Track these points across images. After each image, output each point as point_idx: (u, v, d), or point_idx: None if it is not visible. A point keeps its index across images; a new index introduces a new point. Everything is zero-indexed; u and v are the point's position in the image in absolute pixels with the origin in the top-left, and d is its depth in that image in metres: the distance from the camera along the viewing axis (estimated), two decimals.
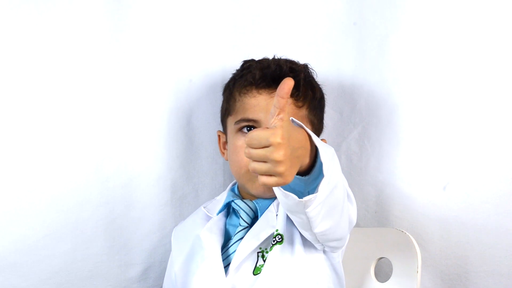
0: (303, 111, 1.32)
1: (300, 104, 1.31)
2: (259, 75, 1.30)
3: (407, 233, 1.35)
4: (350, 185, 1.51)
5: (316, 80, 1.39)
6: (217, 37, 1.49)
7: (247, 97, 1.31)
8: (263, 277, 1.23)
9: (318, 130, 1.38)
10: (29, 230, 1.43)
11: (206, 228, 1.31)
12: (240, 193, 1.36)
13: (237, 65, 1.40)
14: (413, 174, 1.46)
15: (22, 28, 1.38)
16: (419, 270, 1.33)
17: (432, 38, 1.42)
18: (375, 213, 1.50)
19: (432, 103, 1.43)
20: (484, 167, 1.42)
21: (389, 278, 1.37)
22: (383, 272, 1.45)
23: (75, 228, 1.45)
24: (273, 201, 1.31)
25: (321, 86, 1.40)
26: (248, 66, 1.36)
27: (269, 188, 1.25)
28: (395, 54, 1.44)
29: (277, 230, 1.25)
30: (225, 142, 1.39)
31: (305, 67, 1.38)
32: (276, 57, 1.38)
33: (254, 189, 1.30)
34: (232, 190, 1.38)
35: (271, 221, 1.27)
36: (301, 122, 1.12)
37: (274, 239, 1.25)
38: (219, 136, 1.41)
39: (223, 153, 1.40)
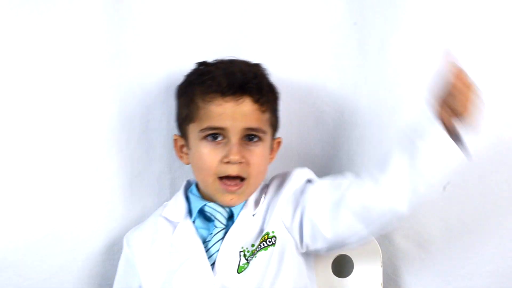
0: (267, 115, 1.33)
1: (264, 108, 1.32)
2: (225, 83, 1.29)
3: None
4: None
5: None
6: (217, 37, 1.49)
7: (212, 105, 1.29)
8: (251, 275, 1.27)
9: (276, 130, 1.39)
10: (29, 229, 1.43)
11: (179, 231, 1.32)
12: (203, 195, 1.36)
13: None
14: None
15: (22, 28, 1.38)
16: (382, 265, 1.43)
17: (432, 38, 1.41)
18: None
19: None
20: (484, 167, 1.41)
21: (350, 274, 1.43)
22: (344, 268, 1.46)
23: (75, 228, 1.45)
24: (246, 200, 1.34)
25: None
26: (208, 71, 1.33)
27: (238, 198, 1.31)
28: (396, 54, 1.44)
29: (273, 232, 1.29)
30: (183, 146, 1.38)
31: (260, 67, 1.37)
32: (230, 59, 1.37)
33: (223, 199, 1.31)
34: (192, 192, 1.38)
35: (250, 220, 1.32)
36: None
37: (269, 240, 1.28)
38: (175, 139, 1.40)
39: (181, 157, 1.39)
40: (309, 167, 1.53)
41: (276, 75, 1.49)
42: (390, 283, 1.52)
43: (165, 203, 1.41)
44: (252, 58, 1.40)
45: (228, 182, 1.30)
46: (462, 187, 1.43)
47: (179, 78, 1.39)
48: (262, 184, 1.38)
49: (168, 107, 1.47)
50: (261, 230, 1.32)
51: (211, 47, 1.48)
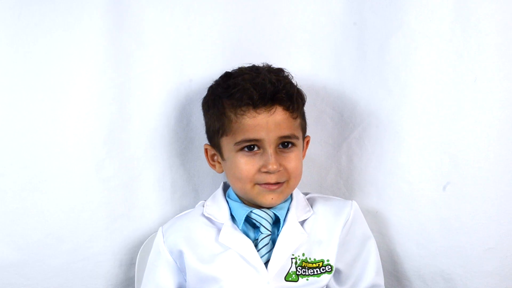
0: (298, 121, 1.36)
1: (295, 115, 1.35)
2: (256, 95, 1.30)
3: None
4: (351, 186, 1.53)
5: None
6: (217, 37, 1.49)
7: (246, 118, 1.31)
8: None
9: (305, 130, 1.41)
10: (30, 229, 1.43)
11: (227, 232, 1.34)
12: (241, 200, 1.38)
13: (237, 64, 1.40)
14: (414, 174, 1.46)
15: (22, 29, 1.38)
16: None
17: (432, 38, 1.41)
18: (376, 213, 1.50)
19: (433, 103, 1.43)
20: (484, 167, 1.41)
21: None
22: None
23: (76, 228, 1.45)
24: (288, 206, 1.37)
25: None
26: (235, 84, 1.33)
27: (278, 197, 1.34)
28: (395, 54, 1.44)
29: (328, 260, 1.35)
30: (214, 155, 1.40)
31: (284, 72, 1.39)
32: (252, 66, 1.38)
33: (264, 200, 1.34)
34: (230, 197, 1.40)
35: (297, 227, 1.35)
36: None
37: (323, 267, 1.34)
38: (206, 149, 1.41)
39: (213, 166, 1.41)
40: (309, 167, 1.54)
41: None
42: (390, 283, 1.52)
43: (201, 202, 1.43)
44: (252, 58, 1.40)
45: (267, 186, 1.33)
46: (462, 187, 1.44)
47: (179, 78, 1.40)
48: (306, 197, 1.41)
49: (168, 107, 1.47)
50: (314, 246, 1.35)
51: (211, 47, 1.48)
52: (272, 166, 1.30)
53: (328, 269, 1.34)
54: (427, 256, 1.48)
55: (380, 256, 1.45)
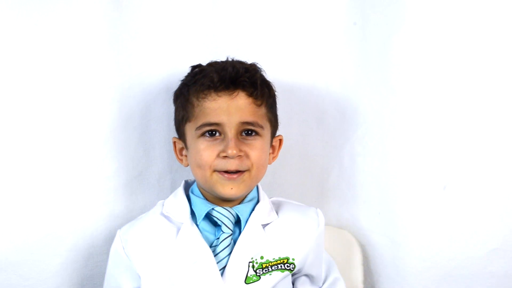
0: (262, 109, 1.33)
1: (259, 102, 1.32)
2: (217, 77, 1.29)
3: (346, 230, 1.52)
4: (353, 186, 1.52)
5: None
6: (217, 37, 1.49)
7: (207, 101, 1.30)
8: None
9: (275, 127, 1.38)
10: (29, 229, 1.42)
11: (184, 233, 1.30)
12: (206, 197, 1.35)
13: None
14: (417, 175, 1.45)
15: (22, 28, 1.38)
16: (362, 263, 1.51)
17: (434, 38, 1.41)
18: (379, 214, 1.50)
19: (435, 103, 1.42)
20: (484, 167, 1.41)
21: None
22: None
23: (75, 228, 1.44)
24: (252, 207, 1.34)
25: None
26: (201, 71, 1.34)
27: (238, 188, 1.30)
28: (397, 53, 1.43)
29: (293, 259, 1.31)
30: (182, 148, 1.37)
31: (254, 64, 1.37)
32: (224, 60, 1.37)
33: (223, 190, 1.30)
34: (193, 193, 1.36)
35: (259, 231, 1.31)
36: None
37: (287, 264, 1.31)
38: (174, 142, 1.39)
39: (181, 160, 1.39)
40: (310, 167, 1.54)
41: (277, 75, 1.50)
42: (392, 284, 1.51)
43: (161, 201, 1.39)
44: (252, 58, 1.40)
45: (227, 174, 1.29)
46: (462, 187, 1.43)
47: (179, 78, 1.39)
48: (271, 200, 1.38)
49: (168, 107, 1.47)
50: (275, 249, 1.31)
51: (211, 47, 1.48)
52: (232, 151, 1.26)
53: (292, 267, 1.31)
54: (430, 257, 1.47)
55: (382, 257, 1.45)
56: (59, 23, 1.39)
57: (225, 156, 1.28)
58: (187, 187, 1.40)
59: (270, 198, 1.39)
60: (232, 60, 1.37)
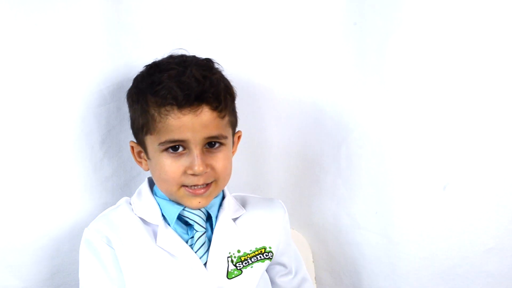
0: (226, 119, 1.29)
1: (222, 114, 1.27)
2: (181, 95, 1.22)
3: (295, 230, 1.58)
4: (350, 186, 1.52)
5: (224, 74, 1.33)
6: (216, 37, 1.48)
7: (170, 118, 1.23)
8: (245, 283, 1.31)
9: (235, 126, 1.36)
10: (27, 230, 1.41)
11: (163, 235, 1.29)
12: (169, 197, 1.33)
13: (238, 64, 1.40)
14: (414, 174, 1.46)
15: (21, 28, 1.37)
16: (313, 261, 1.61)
17: (432, 38, 1.41)
18: (376, 214, 1.51)
19: (433, 103, 1.43)
20: (484, 167, 1.42)
21: None
22: None
23: (74, 228, 1.43)
24: (220, 202, 1.35)
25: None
26: (160, 81, 1.25)
27: (206, 200, 1.29)
28: (395, 54, 1.44)
29: (270, 247, 1.35)
30: (141, 152, 1.34)
31: (213, 68, 1.31)
32: (184, 60, 1.29)
33: (190, 204, 1.29)
34: (157, 195, 1.34)
35: (231, 225, 1.33)
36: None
37: (266, 253, 1.34)
38: (132, 146, 1.35)
39: (140, 163, 1.35)
40: (308, 167, 1.54)
41: (275, 75, 1.50)
42: (390, 283, 1.52)
43: (124, 198, 1.36)
44: (252, 58, 1.40)
45: (193, 189, 1.28)
46: (458, 187, 1.44)
47: None
48: (233, 196, 1.38)
49: None
50: (250, 240, 1.34)
51: (211, 46, 1.47)
52: (198, 168, 1.24)
53: (271, 256, 1.34)
54: (427, 257, 1.48)
55: (380, 257, 1.45)
56: (58, 22, 1.38)
57: (192, 174, 1.26)
58: (151, 184, 1.36)
59: (231, 194, 1.39)
60: (190, 62, 1.29)
